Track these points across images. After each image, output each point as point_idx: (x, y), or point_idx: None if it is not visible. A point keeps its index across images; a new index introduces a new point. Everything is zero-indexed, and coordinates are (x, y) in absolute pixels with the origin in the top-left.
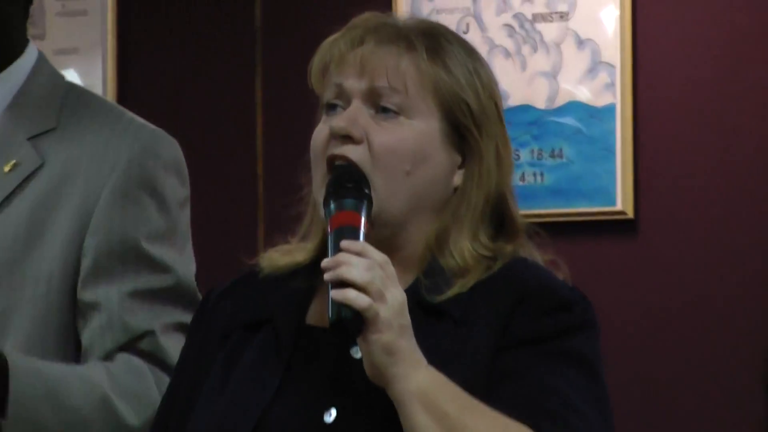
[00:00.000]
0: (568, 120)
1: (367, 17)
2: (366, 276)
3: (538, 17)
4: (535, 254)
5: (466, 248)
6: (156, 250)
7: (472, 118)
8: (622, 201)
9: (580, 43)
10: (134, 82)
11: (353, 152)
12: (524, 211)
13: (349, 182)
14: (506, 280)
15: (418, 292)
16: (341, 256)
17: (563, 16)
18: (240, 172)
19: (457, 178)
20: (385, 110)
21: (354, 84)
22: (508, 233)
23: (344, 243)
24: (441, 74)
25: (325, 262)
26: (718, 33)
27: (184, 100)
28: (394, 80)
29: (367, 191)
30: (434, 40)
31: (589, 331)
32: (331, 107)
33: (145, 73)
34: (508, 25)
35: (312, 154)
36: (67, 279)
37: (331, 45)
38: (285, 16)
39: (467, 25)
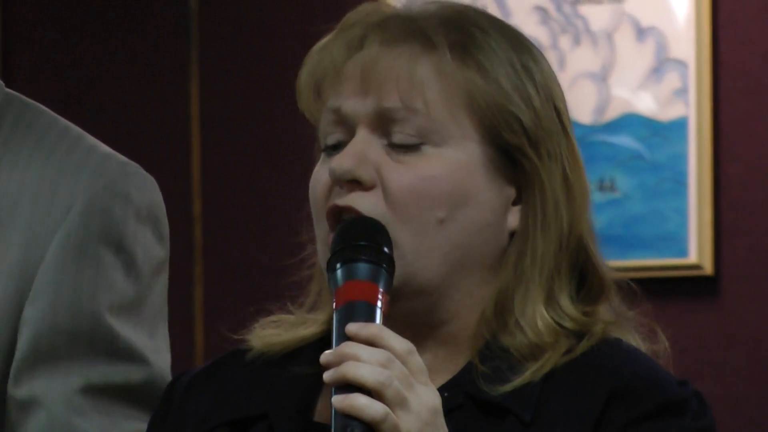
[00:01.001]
0: (624, 140)
1: (367, 10)
2: (380, 375)
3: None
4: (633, 334)
5: (540, 316)
6: (120, 329)
7: (525, 135)
8: (697, 252)
9: (641, 33)
10: (20, 79)
11: (363, 202)
12: None
13: (361, 239)
14: (593, 370)
15: (471, 381)
16: (346, 347)
17: None
18: (175, 187)
19: (513, 219)
20: (401, 144)
21: (356, 106)
22: (592, 292)
23: (351, 327)
24: (475, 79)
25: (324, 356)
26: None
27: (91, 99)
28: (408, 96)
29: (387, 251)
30: (462, 31)
31: None
32: (333, 148)
33: (35, 70)
34: (541, 8)
35: (312, 208)
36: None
37: (321, 52)
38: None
39: (483, 8)
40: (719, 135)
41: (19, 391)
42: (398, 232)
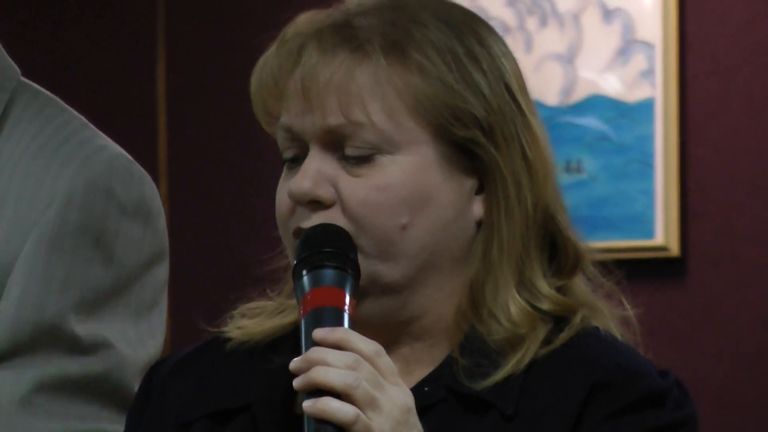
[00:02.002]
0: (590, 121)
1: (302, 20)
2: (348, 377)
3: None
4: (608, 318)
5: (513, 302)
6: (87, 325)
7: (477, 126)
8: (663, 233)
9: (608, 14)
10: None
11: (325, 221)
12: None
13: (326, 245)
14: (574, 361)
15: (451, 375)
16: (314, 353)
17: None
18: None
19: (477, 208)
20: (353, 158)
21: (304, 124)
22: (566, 264)
23: (318, 333)
24: (415, 81)
25: (294, 363)
26: None
27: (57, 80)
28: (350, 111)
29: (352, 256)
30: (399, 30)
31: (688, 431)
32: (292, 161)
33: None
34: None
35: (278, 225)
36: None
37: (262, 70)
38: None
39: None
40: (686, 116)
41: None
42: (363, 243)
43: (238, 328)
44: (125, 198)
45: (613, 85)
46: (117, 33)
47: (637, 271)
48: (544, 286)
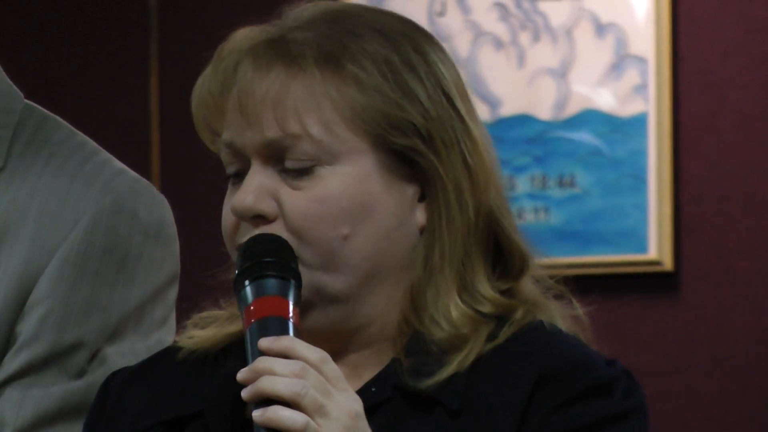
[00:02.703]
0: (584, 136)
1: (238, 37)
2: (295, 386)
3: None
4: (557, 315)
5: (455, 307)
6: (102, 348)
7: (416, 134)
8: (657, 247)
9: (600, 29)
10: None
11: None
12: None
13: (267, 255)
14: (518, 354)
15: (396, 376)
16: (261, 363)
17: None
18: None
19: (420, 215)
20: (293, 170)
21: (244, 139)
22: (511, 268)
23: (263, 342)
24: (351, 93)
25: (241, 374)
26: None
27: (51, 95)
28: (287, 125)
29: (293, 265)
30: (334, 43)
31: (636, 421)
32: (236, 176)
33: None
34: (500, 5)
35: (225, 240)
36: None
37: (200, 89)
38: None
39: (443, 5)
40: (678, 131)
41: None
42: (306, 255)
43: (189, 338)
44: (148, 221)
45: (606, 99)
46: (110, 51)
47: (631, 286)
48: (486, 289)
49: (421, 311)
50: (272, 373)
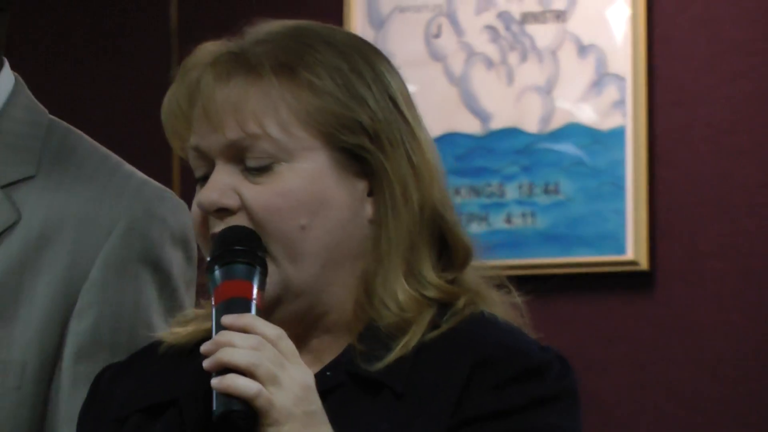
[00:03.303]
0: (567, 147)
1: (201, 52)
2: (251, 357)
3: (528, 17)
4: (497, 304)
5: (402, 290)
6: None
7: (364, 132)
8: (634, 249)
9: (582, 49)
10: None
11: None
12: (511, 260)
13: (237, 244)
14: (459, 341)
15: (350, 361)
16: (222, 336)
17: (560, 16)
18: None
19: (369, 209)
20: (254, 168)
21: (210, 142)
22: (455, 259)
23: (226, 319)
24: (305, 96)
25: (204, 346)
26: (754, 35)
27: (84, 115)
28: (247, 125)
29: (260, 254)
30: (287, 53)
31: (568, 402)
32: (204, 179)
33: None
34: (491, 27)
35: (195, 235)
36: (45, 368)
37: (169, 101)
38: (203, 15)
39: (439, 28)
40: (654, 143)
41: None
42: (269, 245)
43: (171, 333)
44: (174, 226)
45: (587, 114)
46: (132, 73)
47: (610, 285)
48: (431, 275)
49: (372, 295)
50: (231, 346)
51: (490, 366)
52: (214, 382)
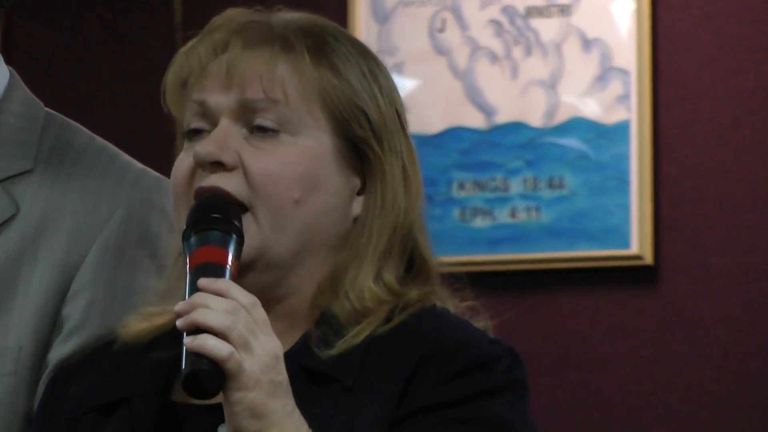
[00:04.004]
0: (571, 141)
1: (231, 15)
2: (226, 320)
3: (532, 11)
4: (449, 302)
5: (368, 288)
6: None
7: (371, 129)
8: (638, 243)
9: (587, 44)
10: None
11: (226, 182)
12: (515, 255)
13: (215, 212)
14: (409, 334)
15: (304, 350)
16: (197, 298)
17: (564, 10)
18: None
19: (357, 207)
20: (261, 129)
21: (220, 99)
22: (419, 277)
23: (202, 281)
24: (329, 77)
25: (178, 306)
26: (758, 30)
27: (91, 109)
28: (270, 89)
29: (237, 223)
30: (318, 38)
31: (515, 392)
32: (195, 132)
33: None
34: (495, 22)
35: (173, 192)
36: (39, 352)
37: (188, 54)
38: (208, 10)
39: (443, 22)
40: (658, 137)
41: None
42: (258, 209)
43: (124, 327)
44: (172, 215)
45: (592, 108)
46: (138, 67)
47: (614, 279)
48: (394, 284)
49: (339, 286)
50: (206, 307)
51: (438, 358)
52: (187, 341)
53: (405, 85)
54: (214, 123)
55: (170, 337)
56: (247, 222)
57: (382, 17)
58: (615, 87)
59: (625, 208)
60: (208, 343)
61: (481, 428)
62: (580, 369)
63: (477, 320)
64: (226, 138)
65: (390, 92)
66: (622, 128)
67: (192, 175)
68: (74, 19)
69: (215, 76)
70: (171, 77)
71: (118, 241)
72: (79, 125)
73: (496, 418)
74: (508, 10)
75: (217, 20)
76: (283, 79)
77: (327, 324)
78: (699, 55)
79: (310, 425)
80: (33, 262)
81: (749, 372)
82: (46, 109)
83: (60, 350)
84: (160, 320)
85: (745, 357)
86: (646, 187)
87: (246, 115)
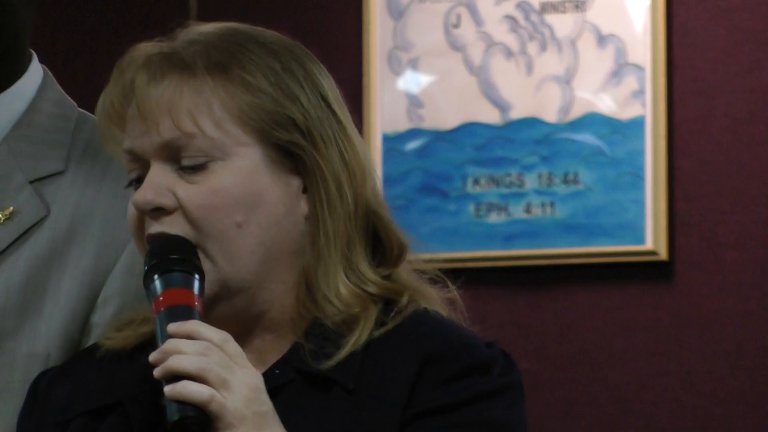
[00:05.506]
0: (586, 137)
1: (134, 53)
2: (200, 362)
3: (547, 7)
4: (435, 300)
5: (343, 284)
6: None
7: (297, 129)
8: (653, 239)
9: (601, 39)
10: None
11: (171, 226)
12: (530, 250)
13: (172, 253)
14: (407, 338)
15: (299, 359)
16: (169, 344)
17: (579, 6)
18: None
19: (304, 205)
20: (189, 167)
21: (143, 144)
22: (389, 255)
23: (171, 327)
24: (238, 94)
25: (152, 356)
26: None
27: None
28: (182, 123)
29: (196, 262)
30: (219, 52)
31: (511, 395)
32: (138, 181)
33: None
34: (510, 17)
35: (132, 238)
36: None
37: (103, 101)
38: (222, 4)
39: (458, 17)
40: (673, 133)
41: None
42: (206, 244)
43: (108, 338)
44: None
45: (607, 104)
46: None
47: (629, 274)
48: (369, 272)
49: (314, 291)
50: (180, 353)
51: (439, 361)
52: (167, 389)
53: (420, 80)
54: (147, 166)
55: (156, 343)
56: (201, 258)
57: (397, 13)
58: (630, 82)
59: (640, 203)
60: (188, 389)
61: (482, 430)
62: (594, 364)
63: (453, 309)
64: (159, 182)
65: (313, 81)
66: (637, 124)
67: (141, 221)
68: (89, 11)
69: (132, 120)
70: (99, 127)
71: None
72: None
73: (497, 421)
74: (523, 6)
75: (121, 61)
76: (191, 110)
77: (318, 334)
78: (714, 51)
79: (312, 430)
80: (62, 267)
81: (764, 367)
82: (79, 109)
83: None
84: (145, 328)
85: (760, 352)
86: (661, 182)
87: (171, 153)
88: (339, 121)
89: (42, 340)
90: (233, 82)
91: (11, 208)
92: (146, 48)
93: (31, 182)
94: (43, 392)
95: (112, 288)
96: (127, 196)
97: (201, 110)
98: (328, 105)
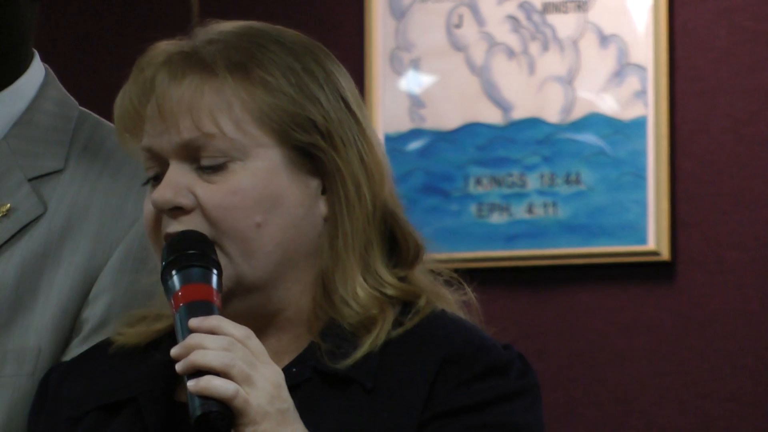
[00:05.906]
0: (588, 137)
1: (154, 51)
2: (225, 357)
3: (549, 7)
4: (450, 302)
5: (360, 287)
6: None
7: (316, 131)
8: (655, 239)
9: (603, 39)
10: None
11: (189, 225)
12: (532, 250)
13: (190, 249)
14: (425, 339)
15: (315, 358)
16: (192, 339)
17: (581, 6)
18: None
19: (323, 207)
20: (208, 167)
21: (162, 142)
22: (405, 256)
23: (193, 322)
24: (258, 94)
25: (174, 350)
26: None
27: (106, 101)
28: (202, 124)
29: (214, 257)
30: (242, 52)
31: (528, 397)
32: (156, 179)
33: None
34: (512, 17)
35: (148, 236)
36: (58, 354)
37: (122, 100)
38: (224, 2)
39: (460, 18)
40: (675, 133)
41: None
42: (224, 243)
43: (119, 334)
44: None
45: (609, 104)
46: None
47: (631, 275)
48: (386, 274)
49: (331, 293)
50: (203, 348)
51: (458, 363)
52: (191, 384)
53: (422, 81)
54: (165, 164)
55: (169, 339)
56: (218, 255)
57: (399, 13)
58: (632, 83)
59: (642, 203)
60: (213, 384)
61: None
62: (596, 364)
63: (471, 315)
64: (178, 180)
65: (332, 82)
66: (639, 124)
67: (158, 220)
68: (90, 11)
69: (151, 118)
70: (117, 127)
71: (142, 245)
72: (112, 125)
73: (518, 424)
74: (525, 6)
75: (141, 60)
76: (211, 111)
77: (335, 334)
78: (716, 51)
79: (330, 428)
80: (56, 262)
81: (765, 367)
82: (80, 108)
83: (77, 352)
84: (159, 325)
85: (761, 352)
86: (663, 182)
87: (190, 152)
88: (358, 122)
89: (33, 335)
90: (253, 82)
91: (8, 205)
92: (166, 46)
93: (29, 180)
94: (54, 388)
95: (102, 284)
96: (123, 193)
97: (221, 111)
98: (348, 106)
